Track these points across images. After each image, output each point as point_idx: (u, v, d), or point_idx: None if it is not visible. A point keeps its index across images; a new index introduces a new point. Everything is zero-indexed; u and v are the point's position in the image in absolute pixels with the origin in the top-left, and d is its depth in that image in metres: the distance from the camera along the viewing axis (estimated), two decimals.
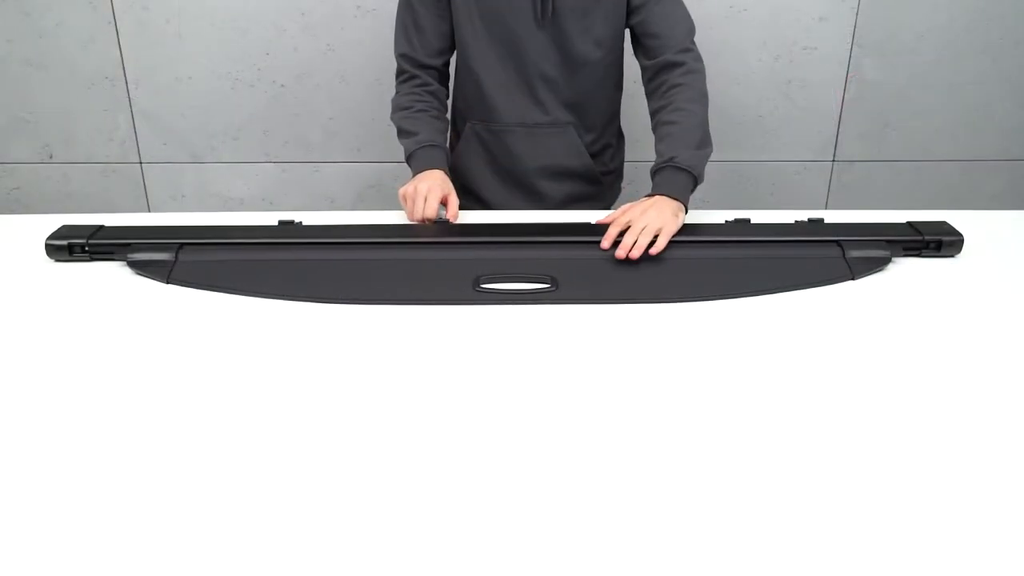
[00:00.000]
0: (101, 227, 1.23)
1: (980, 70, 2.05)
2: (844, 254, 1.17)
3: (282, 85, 2.02)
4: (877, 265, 1.17)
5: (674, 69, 1.36)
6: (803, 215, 1.29)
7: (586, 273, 1.14)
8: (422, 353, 0.96)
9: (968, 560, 0.65)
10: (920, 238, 1.21)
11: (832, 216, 1.27)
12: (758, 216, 1.28)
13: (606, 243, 1.17)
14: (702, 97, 1.35)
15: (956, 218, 1.26)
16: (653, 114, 1.38)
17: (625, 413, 0.84)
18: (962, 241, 1.21)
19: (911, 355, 0.96)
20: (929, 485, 0.73)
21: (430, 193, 1.30)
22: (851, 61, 2.03)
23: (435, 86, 1.48)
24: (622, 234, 1.18)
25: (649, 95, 1.41)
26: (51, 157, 2.10)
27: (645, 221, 1.17)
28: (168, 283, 1.13)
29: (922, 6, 1.98)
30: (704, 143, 1.31)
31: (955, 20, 2.00)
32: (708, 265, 1.16)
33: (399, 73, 1.49)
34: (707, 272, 1.15)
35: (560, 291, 1.10)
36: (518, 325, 1.03)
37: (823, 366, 0.93)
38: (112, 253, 1.19)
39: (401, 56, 1.46)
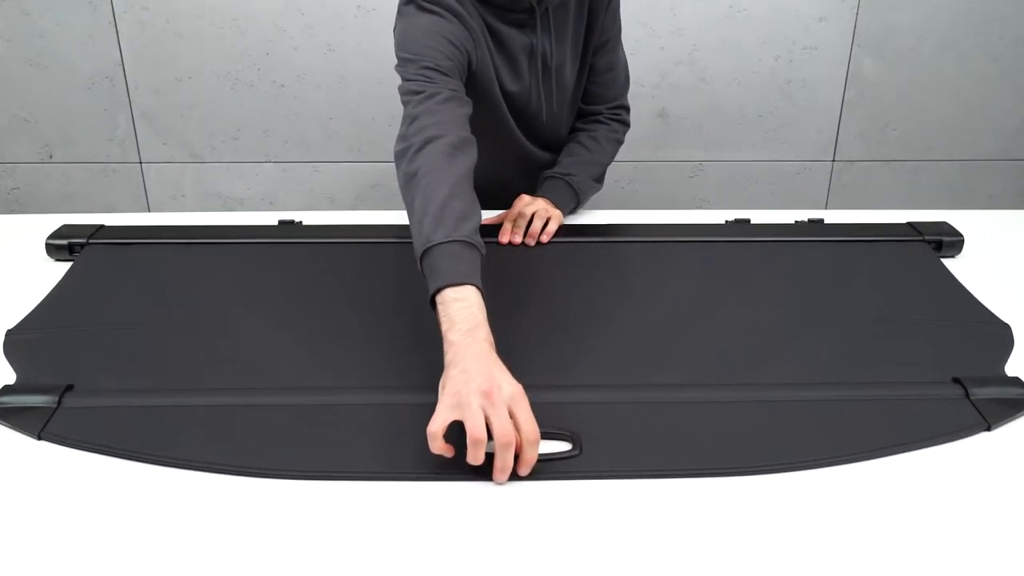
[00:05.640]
0: (101, 227, 1.23)
1: (980, 70, 2.05)
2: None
3: (282, 85, 2.02)
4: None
5: (608, 112, 1.36)
6: (803, 215, 1.29)
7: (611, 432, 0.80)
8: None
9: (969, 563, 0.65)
10: (920, 238, 1.21)
11: (832, 216, 1.27)
12: (758, 216, 1.28)
13: (503, 237, 1.21)
14: (617, 145, 1.37)
15: (956, 218, 1.26)
16: (572, 130, 1.37)
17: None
18: (962, 241, 1.21)
19: None
20: (928, 484, 0.73)
21: (518, 411, 0.73)
22: (851, 61, 2.03)
23: (468, 105, 1.04)
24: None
25: (576, 121, 1.37)
26: (51, 157, 2.10)
27: (535, 207, 1.22)
28: (40, 439, 0.79)
29: (922, 6, 1.98)
30: (600, 180, 1.35)
31: (955, 20, 2.00)
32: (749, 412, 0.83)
33: (411, 93, 1.02)
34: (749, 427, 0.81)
35: (582, 458, 0.76)
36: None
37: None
38: None
39: (410, 59, 1.05)
